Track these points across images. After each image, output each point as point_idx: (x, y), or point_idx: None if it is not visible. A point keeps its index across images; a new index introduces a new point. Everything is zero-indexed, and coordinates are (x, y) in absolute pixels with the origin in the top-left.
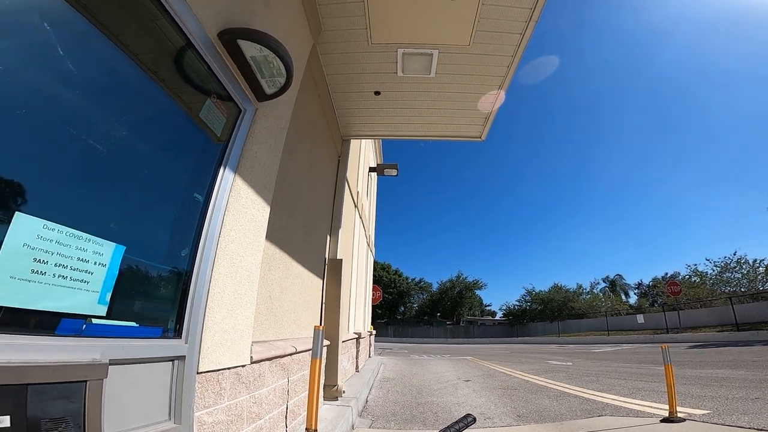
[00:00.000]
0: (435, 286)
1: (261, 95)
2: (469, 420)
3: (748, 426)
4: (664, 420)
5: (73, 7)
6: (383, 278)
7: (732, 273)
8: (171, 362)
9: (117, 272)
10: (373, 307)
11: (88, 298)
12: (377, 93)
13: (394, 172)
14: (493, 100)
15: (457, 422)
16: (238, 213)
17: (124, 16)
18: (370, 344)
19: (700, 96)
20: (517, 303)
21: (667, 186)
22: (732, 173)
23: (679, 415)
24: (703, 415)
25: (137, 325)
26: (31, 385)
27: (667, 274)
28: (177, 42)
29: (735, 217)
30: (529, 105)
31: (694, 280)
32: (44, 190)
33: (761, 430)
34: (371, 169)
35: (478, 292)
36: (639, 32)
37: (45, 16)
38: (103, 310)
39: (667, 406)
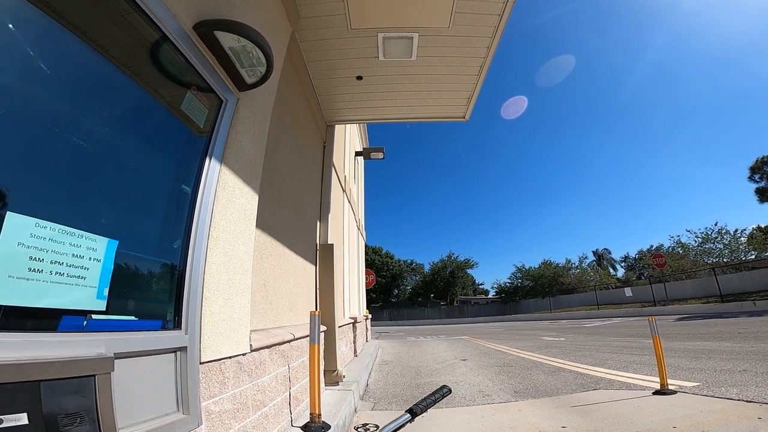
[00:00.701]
0: (427, 267)
1: (242, 85)
2: (444, 391)
3: (737, 398)
4: (656, 392)
5: (42, 10)
6: (375, 262)
7: (713, 243)
8: (174, 353)
9: (112, 266)
10: (367, 291)
11: (87, 293)
12: (359, 78)
13: (380, 156)
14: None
15: (432, 394)
16: (227, 202)
17: (95, 14)
18: (366, 328)
19: (681, 74)
20: (509, 280)
21: (649, 159)
22: (712, 147)
23: (670, 387)
24: (693, 387)
25: (136, 318)
26: (42, 381)
27: (651, 246)
28: (152, 37)
29: (715, 189)
30: (514, 82)
31: (678, 251)
32: (33, 189)
33: (751, 401)
34: (357, 153)
35: (469, 271)
36: (624, 14)
37: (16, 19)
38: (102, 305)
39: (658, 379)
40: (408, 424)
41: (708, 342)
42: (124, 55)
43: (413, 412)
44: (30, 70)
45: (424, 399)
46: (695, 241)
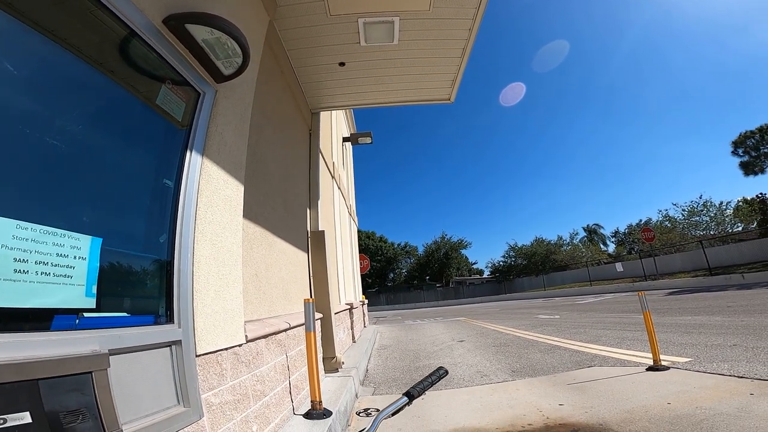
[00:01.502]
0: (421, 249)
1: (219, 77)
2: (441, 372)
3: (729, 373)
4: (650, 369)
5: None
6: (369, 246)
7: (700, 216)
8: (168, 347)
9: (98, 264)
10: (363, 277)
11: (75, 292)
12: (342, 64)
13: (368, 140)
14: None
15: (429, 376)
16: (211, 194)
17: (59, 15)
18: (363, 314)
19: (668, 52)
20: (503, 259)
21: (637, 136)
22: (698, 124)
23: (663, 363)
24: (685, 362)
25: (128, 314)
26: (40, 380)
27: (641, 220)
28: (121, 33)
29: (703, 164)
30: (504, 61)
31: (666, 225)
32: (10, 191)
33: (742, 377)
34: (345, 139)
35: (463, 251)
36: None
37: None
38: (92, 303)
39: (651, 355)
40: (406, 407)
41: (698, 316)
42: (95, 53)
43: (411, 395)
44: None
45: (421, 381)
46: (682, 215)
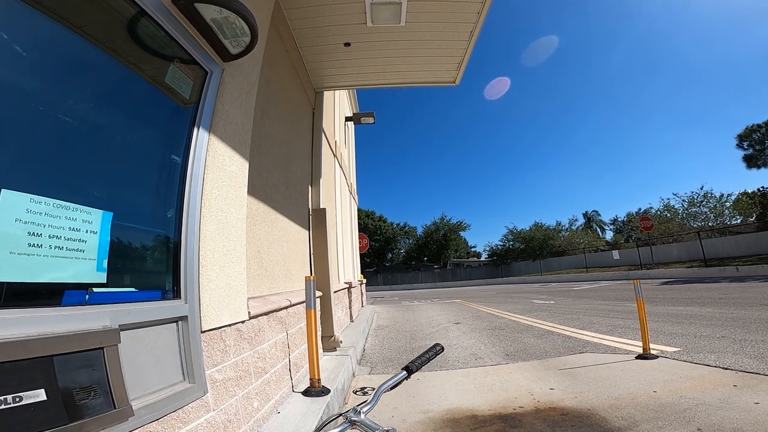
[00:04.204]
0: (420, 230)
1: (226, 56)
2: (437, 349)
3: (714, 364)
4: (639, 357)
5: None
6: (369, 226)
7: (699, 207)
8: (175, 323)
9: (109, 238)
10: (361, 256)
11: (87, 266)
12: (347, 44)
13: (371, 120)
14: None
15: (426, 352)
16: (217, 170)
17: None
18: (361, 293)
19: (678, 42)
20: (500, 243)
21: (642, 126)
22: (703, 114)
23: (652, 352)
24: (674, 352)
25: (136, 290)
26: (54, 356)
27: (640, 209)
28: (131, 12)
29: (707, 154)
30: (510, 50)
31: (666, 215)
32: (24, 167)
33: (727, 368)
34: (347, 119)
35: (462, 233)
36: None
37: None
38: (102, 277)
39: (641, 343)
40: (404, 381)
41: (690, 307)
42: (106, 33)
43: (409, 370)
44: (7, 53)
45: (419, 357)
46: (682, 205)
